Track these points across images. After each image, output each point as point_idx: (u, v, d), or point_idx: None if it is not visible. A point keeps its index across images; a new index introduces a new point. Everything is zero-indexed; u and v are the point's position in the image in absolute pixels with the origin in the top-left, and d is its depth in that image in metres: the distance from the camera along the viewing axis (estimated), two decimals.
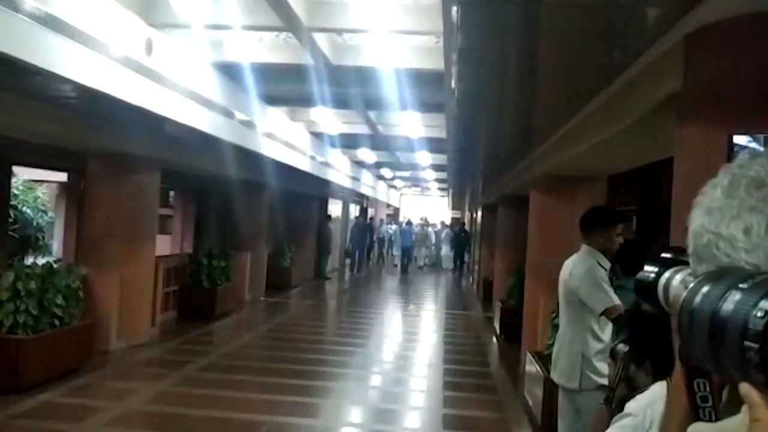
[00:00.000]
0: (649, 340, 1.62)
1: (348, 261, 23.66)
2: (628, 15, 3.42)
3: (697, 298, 0.76)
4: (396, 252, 29.09)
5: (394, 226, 31.65)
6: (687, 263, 1.21)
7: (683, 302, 0.79)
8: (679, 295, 1.10)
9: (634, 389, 1.74)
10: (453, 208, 32.69)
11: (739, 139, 1.78)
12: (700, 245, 0.87)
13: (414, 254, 26.30)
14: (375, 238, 27.07)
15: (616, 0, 3.23)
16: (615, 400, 1.83)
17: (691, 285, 0.80)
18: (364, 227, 24.71)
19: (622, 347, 1.90)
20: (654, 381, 1.61)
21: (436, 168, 19.86)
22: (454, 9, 3.14)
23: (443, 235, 28.22)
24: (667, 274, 1.19)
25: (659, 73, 3.47)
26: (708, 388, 0.91)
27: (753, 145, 1.77)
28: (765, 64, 2.68)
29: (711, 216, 0.86)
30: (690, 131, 3.00)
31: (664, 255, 1.31)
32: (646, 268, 1.29)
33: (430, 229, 29.11)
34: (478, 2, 3.10)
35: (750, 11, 2.73)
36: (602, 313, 3.76)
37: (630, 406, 1.58)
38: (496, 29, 3.68)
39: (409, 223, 27.41)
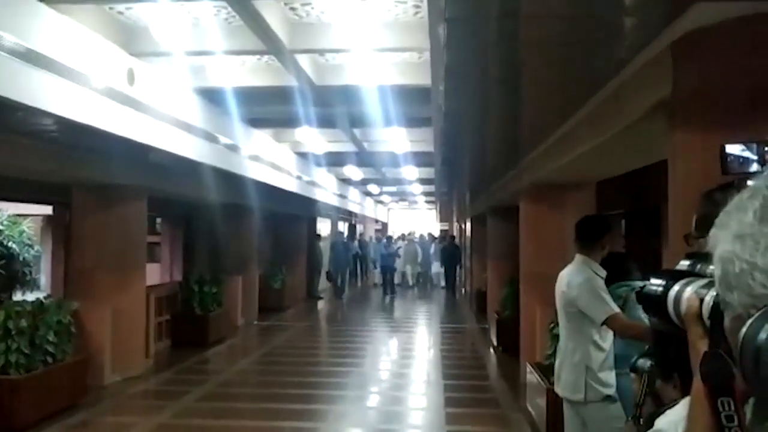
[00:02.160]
0: (676, 354, 1.59)
1: (331, 283, 20.87)
2: (613, 24, 3.42)
3: (763, 335, 0.72)
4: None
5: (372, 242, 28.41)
6: (694, 275, 1.17)
7: (744, 337, 0.75)
8: (693, 306, 1.07)
9: (661, 405, 1.71)
10: (441, 220, 32.62)
11: (732, 148, 1.74)
12: (731, 273, 0.84)
13: (402, 271, 23.95)
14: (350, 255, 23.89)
15: (601, 10, 3.24)
16: (643, 417, 1.80)
17: (751, 320, 0.76)
18: (346, 246, 22.07)
19: (644, 362, 1.86)
20: (683, 395, 1.58)
21: (423, 182, 19.89)
22: (441, 27, 3.13)
23: (432, 250, 25.43)
24: (676, 287, 1.15)
25: (647, 80, 3.47)
26: (733, 407, 0.88)
27: (746, 153, 1.74)
28: (754, 67, 2.69)
29: (743, 243, 0.83)
30: (683, 138, 3.00)
31: (682, 269, 1.28)
32: (652, 281, 1.26)
33: (416, 244, 26.02)
34: (464, 19, 3.10)
35: (736, 15, 2.73)
36: (604, 323, 3.73)
37: (660, 422, 1.54)
38: (482, 45, 3.68)
39: (388, 238, 24.50)
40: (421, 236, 28.42)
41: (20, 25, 4.76)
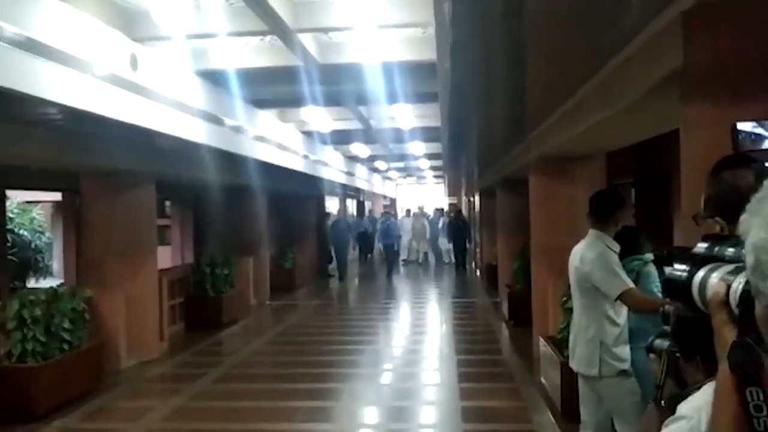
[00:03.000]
0: (699, 337, 1.56)
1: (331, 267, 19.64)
2: None
3: None
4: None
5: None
6: (718, 260, 1.15)
7: None
8: (719, 293, 1.05)
9: (684, 386, 1.68)
10: (450, 195, 32.50)
11: (744, 126, 1.71)
12: (765, 261, 0.81)
13: (407, 247, 23.13)
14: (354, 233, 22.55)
15: None
16: (665, 399, 1.78)
17: None
18: (348, 225, 20.66)
19: (661, 342, 1.84)
20: (706, 377, 1.56)
21: (431, 156, 19.85)
22: (446, 3, 3.07)
23: (440, 224, 24.01)
24: (701, 273, 1.13)
25: (657, 52, 3.40)
26: (762, 397, 0.86)
27: (759, 130, 1.71)
28: None
29: None
30: (695, 111, 2.94)
31: (700, 251, 1.26)
32: (676, 266, 1.23)
33: (424, 219, 24.14)
34: None
35: None
36: (618, 298, 3.72)
37: (683, 407, 1.52)
38: (487, 20, 3.62)
39: (387, 214, 22.36)
40: (421, 210, 26.08)
41: (21, 15, 4.73)
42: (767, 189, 0.86)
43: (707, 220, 1.95)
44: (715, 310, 1.04)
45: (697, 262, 1.17)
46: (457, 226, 21.40)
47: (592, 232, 3.96)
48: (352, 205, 27.52)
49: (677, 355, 1.74)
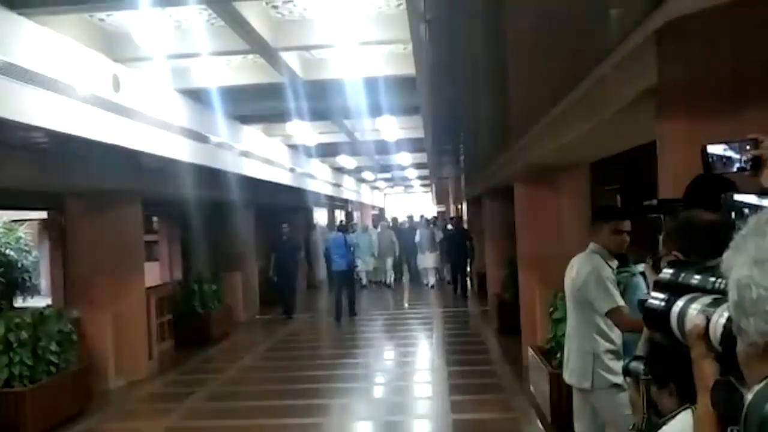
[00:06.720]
0: (671, 363, 1.58)
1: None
2: (597, 11, 3.39)
3: None
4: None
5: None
6: (696, 290, 1.16)
7: (749, 406, 0.75)
8: (698, 326, 1.05)
9: (658, 414, 1.71)
10: (438, 203, 32.56)
11: (714, 148, 1.74)
12: (748, 299, 0.82)
13: (374, 267, 19.23)
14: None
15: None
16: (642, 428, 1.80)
17: (758, 387, 0.75)
18: (294, 247, 15.31)
19: (637, 365, 1.86)
20: (680, 404, 1.58)
21: (418, 166, 19.83)
22: (422, 27, 3.10)
23: (417, 237, 18.76)
24: (680, 303, 1.13)
25: (633, 69, 3.44)
26: None
27: (729, 153, 1.74)
28: (738, 55, 2.66)
29: (762, 269, 0.81)
30: (669, 127, 2.98)
31: (666, 277, 1.27)
32: (653, 295, 1.24)
33: (392, 233, 19.73)
34: (443, 19, 3.07)
35: (720, 2, 2.70)
36: (606, 314, 3.73)
37: None
38: (464, 40, 3.65)
39: (341, 228, 15.80)
40: (394, 220, 22.53)
41: (1, 40, 4.71)
42: (751, 226, 0.87)
43: (666, 256, 1.99)
44: (695, 342, 1.05)
45: (675, 291, 1.18)
46: (458, 239, 17.09)
47: (590, 245, 3.96)
48: (340, 217, 27.37)
49: (650, 381, 1.76)
